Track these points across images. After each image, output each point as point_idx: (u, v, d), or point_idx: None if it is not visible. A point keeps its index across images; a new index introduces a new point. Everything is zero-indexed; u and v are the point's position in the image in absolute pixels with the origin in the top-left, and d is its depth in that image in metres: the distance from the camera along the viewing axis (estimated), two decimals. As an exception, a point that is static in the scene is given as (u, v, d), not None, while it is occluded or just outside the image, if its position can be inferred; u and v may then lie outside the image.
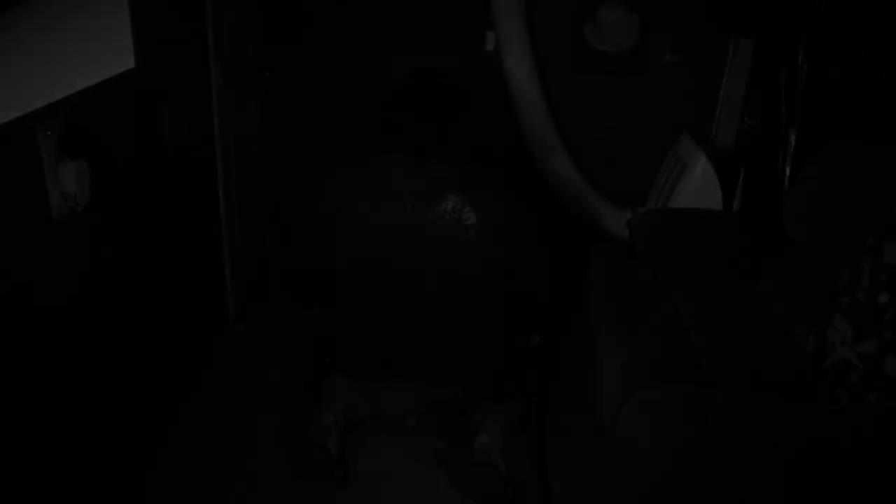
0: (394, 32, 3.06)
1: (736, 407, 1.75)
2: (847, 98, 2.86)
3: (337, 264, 2.11)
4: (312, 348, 2.62)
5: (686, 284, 2.36)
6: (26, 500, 1.49)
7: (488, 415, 2.16)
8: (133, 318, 1.96)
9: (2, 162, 1.34)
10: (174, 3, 2.14)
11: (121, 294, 1.87)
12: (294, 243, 2.29)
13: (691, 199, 2.79)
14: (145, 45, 1.70)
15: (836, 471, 1.59)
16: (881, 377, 1.73)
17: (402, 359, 2.17)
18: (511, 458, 2.15)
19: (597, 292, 2.40)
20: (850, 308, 1.83)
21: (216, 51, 2.45)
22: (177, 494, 2.02)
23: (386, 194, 2.03)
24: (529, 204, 2.09)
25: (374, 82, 3.11)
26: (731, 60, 3.06)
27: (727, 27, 2.97)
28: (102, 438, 1.80)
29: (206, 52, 2.41)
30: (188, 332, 2.43)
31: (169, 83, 2.11)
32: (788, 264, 2.37)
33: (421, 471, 2.17)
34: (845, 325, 1.83)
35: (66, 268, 1.60)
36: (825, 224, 2.28)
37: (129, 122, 1.87)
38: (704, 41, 3.05)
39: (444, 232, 1.97)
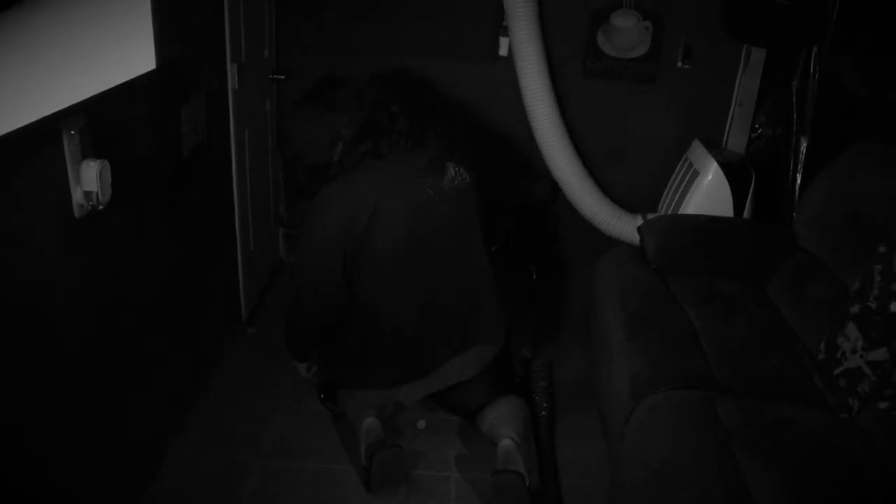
0: (407, 38, 3.08)
1: (747, 413, 1.76)
2: (858, 106, 2.86)
3: (361, 269, 2.12)
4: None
5: (697, 291, 2.37)
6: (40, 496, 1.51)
7: (500, 419, 2.16)
8: (148, 317, 1.98)
9: (29, 161, 1.37)
10: (194, 8, 2.17)
11: (137, 293, 1.90)
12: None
13: (702, 206, 2.80)
14: (166, 47, 1.72)
15: (847, 478, 1.60)
16: (892, 386, 1.74)
17: (436, 336, 2.18)
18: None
19: (607, 297, 2.41)
20: (861, 316, 1.84)
21: (233, 54, 2.48)
22: (186, 491, 2.05)
23: (404, 182, 2.09)
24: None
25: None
26: (743, 68, 3.07)
27: (739, 36, 2.98)
28: (112, 434, 1.82)
29: (224, 56, 2.44)
30: (201, 333, 2.45)
31: (188, 85, 2.14)
32: (799, 272, 2.38)
33: (433, 473, 2.18)
34: (856, 334, 1.83)
35: (88, 265, 1.62)
36: (836, 232, 2.29)
37: (149, 123, 1.89)
38: (717, 49, 3.06)
39: (460, 194, 2.14)
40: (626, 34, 3.04)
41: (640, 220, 3.06)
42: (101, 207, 1.56)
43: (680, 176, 2.99)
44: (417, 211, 2.07)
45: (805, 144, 2.98)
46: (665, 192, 3.10)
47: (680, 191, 2.92)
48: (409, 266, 2.11)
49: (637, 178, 3.26)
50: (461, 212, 2.15)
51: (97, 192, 1.53)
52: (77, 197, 1.52)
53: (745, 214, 2.82)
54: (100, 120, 1.57)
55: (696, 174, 2.85)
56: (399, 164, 2.09)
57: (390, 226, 2.05)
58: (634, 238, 2.91)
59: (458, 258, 2.17)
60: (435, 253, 2.13)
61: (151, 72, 1.66)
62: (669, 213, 2.96)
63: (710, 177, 2.79)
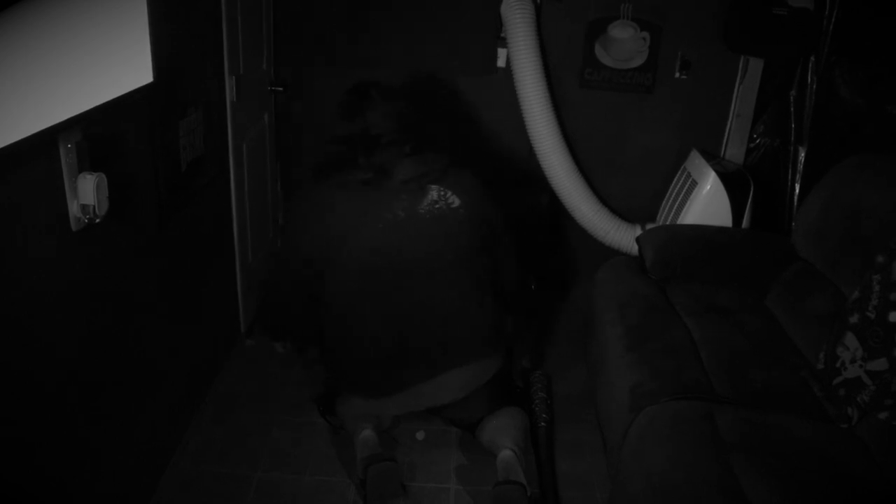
0: (405, 49, 3.09)
1: (746, 424, 1.75)
2: (856, 117, 2.87)
3: (331, 283, 2.12)
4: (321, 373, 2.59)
5: (696, 301, 2.37)
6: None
7: (500, 430, 2.16)
8: (145, 329, 1.98)
9: (26, 173, 1.37)
10: (191, 20, 2.18)
11: (134, 305, 1.90)
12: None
13: (701, 216, 2.80)
14: (164, 60, 1.72)
15: (846, 489, 1.59)
16: (891, 396, 1.73)
17: (425, 353, 2.16)
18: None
19: (606, 308, 2.41)
20: (860, 326, 1.84)
21: (231, 67, 2.49)
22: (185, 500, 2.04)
23: (374, 204, 2.08)
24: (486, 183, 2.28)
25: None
26: (740, 79, 3.08)
27: (738, 47, 2.99)
28: (109, 447, 1.81)
29: (222, 68, 2.44)
30: (199, 345, 2.45)
31: (185, 98, 2.14)
32: (798, 282, 2.38)
33: (432, 485, 2.18)
34: (855, 344, 1.83)
35: (85, 278, 1.62)
36: (835, 241, 2.29)
37: (146, 136, 1.90)
38: (714, 59, 3.07)
39: (439, 219, 2.11)
40: (624, 45, 3.06)
41: (638, 231, 3.06)
42: (98, 220, 1.56)
43: (678, 186, 3.00)
44: (385, 231, 2.07)
45: (803, 154, 2.99)
46: (663, 203, 3.10)
47: (678, 201, 2.93)
48: (376, 285, 2.10)
49: (635, 188, 3.27)
50: (439, 235, 2.10)
51: (94, 205, 1.53)
52: (74, 210, 1.52)
53: (744, 224, 2.82)
54: (97, 133, 1.57)
55: (694, 184, 2.85)
56: (372, 185, 2.09)
57: (355, 244, 2.07)
58: (633, 248, 2.92)
59: (432, 280, 2.12)
60: (405, 274, 2.10)
61: (149, 85, 1.67)
62: (668, 223, 2.97)
63: (708, 187, 2.79)
